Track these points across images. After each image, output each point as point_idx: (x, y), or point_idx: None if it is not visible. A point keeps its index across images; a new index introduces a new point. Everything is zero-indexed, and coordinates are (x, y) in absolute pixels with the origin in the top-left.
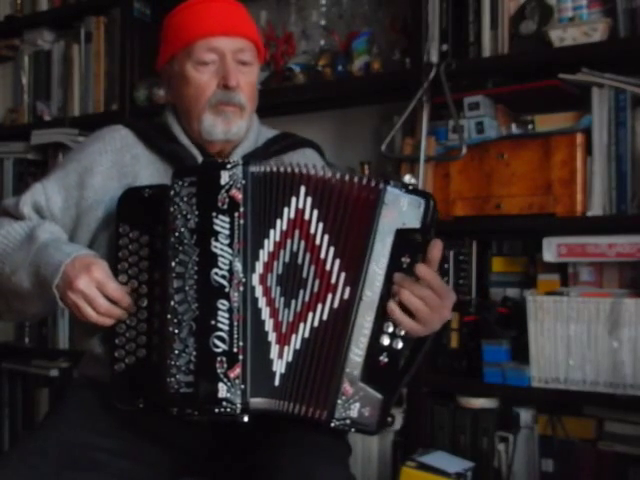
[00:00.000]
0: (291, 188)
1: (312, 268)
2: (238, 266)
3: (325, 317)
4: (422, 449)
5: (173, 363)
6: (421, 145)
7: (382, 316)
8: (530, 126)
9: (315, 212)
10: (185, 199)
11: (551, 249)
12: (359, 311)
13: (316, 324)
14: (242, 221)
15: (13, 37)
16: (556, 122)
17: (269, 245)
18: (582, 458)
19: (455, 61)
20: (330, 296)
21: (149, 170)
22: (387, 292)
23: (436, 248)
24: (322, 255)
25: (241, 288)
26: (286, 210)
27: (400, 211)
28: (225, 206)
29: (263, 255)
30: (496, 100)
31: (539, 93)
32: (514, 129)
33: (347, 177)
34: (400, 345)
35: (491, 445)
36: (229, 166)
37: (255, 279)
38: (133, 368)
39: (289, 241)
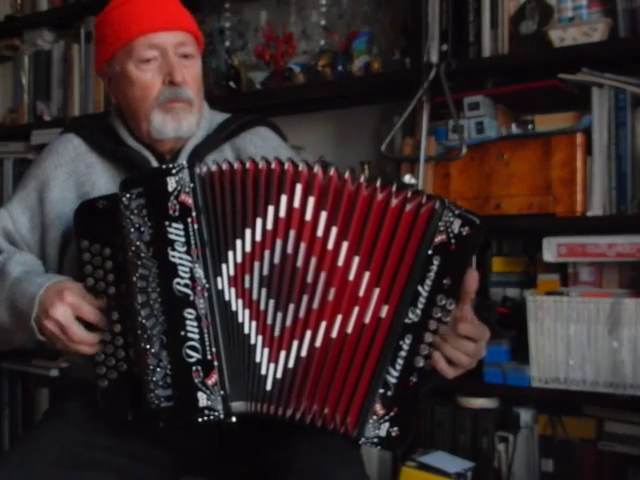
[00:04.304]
0: (279, 186)
1: (322, 274)
2: (199, 272)
3: (350, 330)
4: (422, 449)
5: (150, 378)
6: (421, 145)
7: (420, 338)
8: (530, 126)
9: (323, 214)
10: (136, 211)
11: (551, 249)
12: (400, 333)
13: (334, 335)
14: (196, 226)
15: (13, 37)
16: (556, 122)
17: (245, 245)
18: (582, 458)
19: (455, 61)
20: (357, 309)
21: (105, 177)
22: (428, 314)
23: (473, 280)
24: (339, 263)
25: (205, 294)
26: (271, 208)
27: (451, 233)
28: (177, 213)
29: (235, 256)
30: (496, 100)
31: (539, 93)
32: (514, 129)
33: (378, 183)
34: (432, 366)
35: (491, 445)
36: (174, 171)
37: (222, 282)
38: (117, 383)
39: (279, 241)
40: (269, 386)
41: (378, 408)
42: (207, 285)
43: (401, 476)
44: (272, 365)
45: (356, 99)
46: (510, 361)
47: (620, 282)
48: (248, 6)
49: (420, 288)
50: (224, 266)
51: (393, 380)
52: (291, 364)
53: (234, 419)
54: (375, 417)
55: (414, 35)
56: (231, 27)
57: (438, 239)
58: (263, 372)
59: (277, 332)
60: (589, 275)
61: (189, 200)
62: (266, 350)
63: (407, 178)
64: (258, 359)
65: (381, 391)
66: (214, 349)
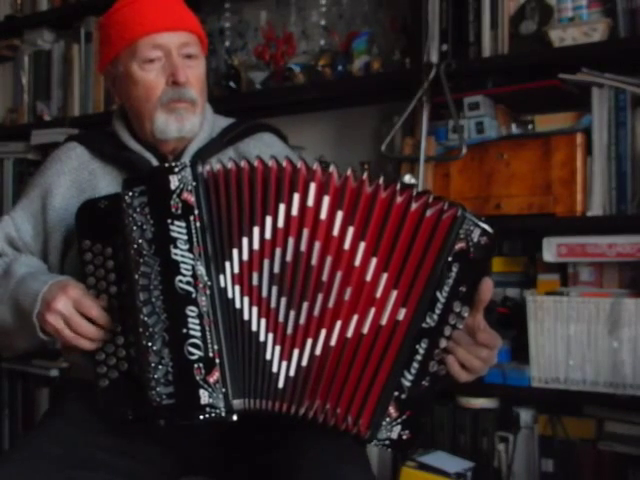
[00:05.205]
0: (291, 185)
1: (338, 274)
2: (201, 270)
3: (365, 331)
4: (422, 449)
5: (151, 376)
6: (421, 145)
7: (436, 343)
8: (530, 126)
9: (339, 214)
10: (138, 209)
11: (551, 249)
12: (417, 337)
13: (350, 335)
14: (199, 224)
15: (13, 37)
16: (556, 122)
17: (252, 243)
18: (582, 458)
19: (455, 61)
20: (373, 310)
21: (106, 181)
22: (444, 320)
23: (487, 289)
24: (356, 263)
25: (208, 291)
26: (282, 207)
27: (470, 241)
28: (179, 211)
29: (241, 254)
30: (496, 100)
31: (539, 93)
32: (514, 129)
33: (398, 186)
34: (444, 371)
35: (491, 445)
36: (177, 169)
37: (225, 280)
38: (117, 383)
39: (291, 239)
40: (281, 384)
41: (392, 410)
42: (209, 283)
43: (401, 476)
44: (284, 363)
45: (356, 99)
46: (510, 361)
47: (620, 282)
48: (248, 6)
49: (438, 293)
50: (227, 264)
51: (408, 383)
52: (305, 362)
53: (235, 417)
54: (388, 419)
55: (414, 35)
56: (231, 27)
57: (458, 246)
58: (274, 370)
59: (290, 330)
60: (589, 275)
61: (191, 198)
62: (277, 348)
63: (407, 178)
64: (269, 357)
65: (395, 394)
66: (216, 346)
